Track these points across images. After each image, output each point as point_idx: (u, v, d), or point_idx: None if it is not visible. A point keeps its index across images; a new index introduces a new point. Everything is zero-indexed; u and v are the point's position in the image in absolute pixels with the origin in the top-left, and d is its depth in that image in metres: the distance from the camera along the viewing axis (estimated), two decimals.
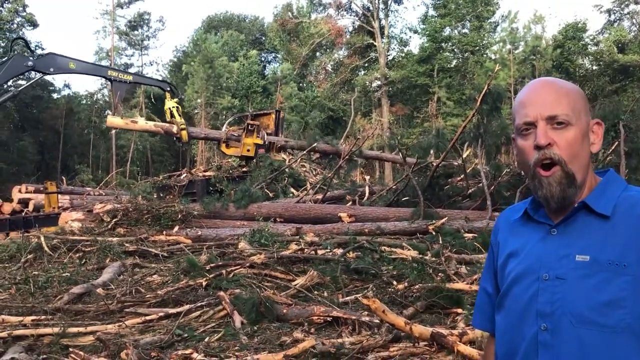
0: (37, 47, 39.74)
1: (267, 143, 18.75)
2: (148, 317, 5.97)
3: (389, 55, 43.00)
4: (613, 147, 10.73)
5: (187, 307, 6.15)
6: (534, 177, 1.28)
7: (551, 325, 1.21)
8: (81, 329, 5.57)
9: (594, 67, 37.60)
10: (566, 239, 1.26)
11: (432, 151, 13.24)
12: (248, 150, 17.93)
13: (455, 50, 40.82)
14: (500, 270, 1.39)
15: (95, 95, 45.75)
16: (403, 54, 43.68)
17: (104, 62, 45.21)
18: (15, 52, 19.71)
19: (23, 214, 15.13)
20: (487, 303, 1.47)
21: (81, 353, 4.51)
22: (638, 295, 1.15)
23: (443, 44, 39.86)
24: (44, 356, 4.71)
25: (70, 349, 4.72)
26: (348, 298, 6.36)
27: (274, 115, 20.13)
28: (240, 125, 19.25)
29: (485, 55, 39.99)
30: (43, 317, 6.08)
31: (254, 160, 17.69)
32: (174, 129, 17.27)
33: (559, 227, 1.28)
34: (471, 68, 38.70)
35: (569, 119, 1.25)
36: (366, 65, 43.50)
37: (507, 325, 1.32)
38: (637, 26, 38.56)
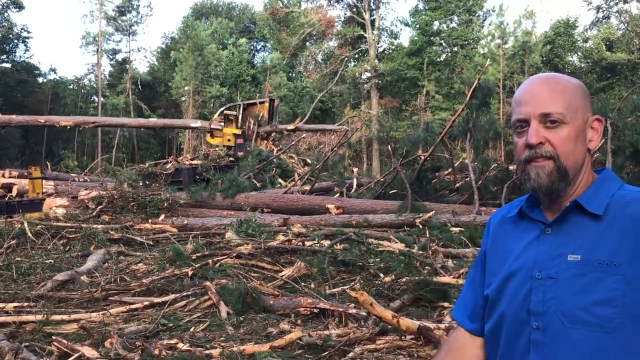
0: (22, 30, 39.13)
1: (251, 133, 18.71)
2: (133, 306, 5.92)
3: (379, 47, 42.94)
4: (600, 145, 10.82)
5: (172, 296, 6.10)
6: (523, 171, 1.28)
7: (543, 324, 1.21)
8: (64, 317, 5.51)
9: (582, 65, 37.87)
10: (560, 238, 1.25)
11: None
12: (229, 140, 17.95)
13: (444, 44, 40.87)
14: (490, 267, 1.39)
15: (82, 80, 45.15)
16: (393, 47, 43.65)
17: (91, 47, 44.66)
18: None
19: (6, 199, 14.91)
20: (469, 301, 1.46)
21: (64, 341, 4.45)
22: (629, 295, 1.15)
23: (433, 38, 39.86)
24: (26, 344, 4.64)
25: (53, 337, 4.66)
26: (335, 290, 6.36)
27: (267, 104, 20.05)
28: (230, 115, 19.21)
29: (474, 50, 40.08)
30: (25, 304, 6.00)
31: (246, 149, 17.61)
32: None
33: (553, 226, 1.27)
34: (460, 62, 38.78)
35: (563, 117, 1.24)
36: (356, 56, 43.40)
37: (502, 324, 1.31)
38: (625, 24, 38.85)
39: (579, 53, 38.92)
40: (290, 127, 20.55)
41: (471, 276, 1.48)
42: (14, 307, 5.87)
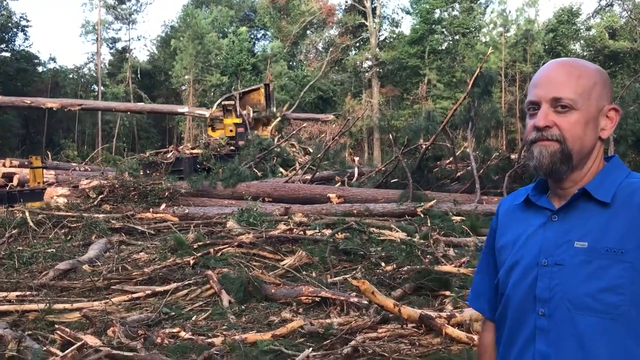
0: (21, 19, 38.92)
1: (251, 121, 18.66)
2: (135, 295, 5.94)
3: (380, 35, 42.72)
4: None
5: (174, 285, 6.11)
6: (528, 150, 1.30)
7: (548, 310, 1.22)
8: (67, 306, 5.53)
9: (585, 53, 37.66)
10: (566, 225, 1.25)
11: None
12: (231, 131, 17.86)
13: (446, 32, 40.64)
14: (499, 254, 1.39)
15: (82, 69, 44.99)
16: (394, 35, 43.43)
17: (90, 36, 44.45)
18: None
19: (7, 188, 14.92)
20: (486, 286, 1.46)
21: (67, 330, 4.46)
22: (635, 282, 1.15)
23: (434, 26, 39.63)
24: (29, 332, 4.65)
25: (56, 326, 4.67)
26: (336, 279, 6.37)
27: (263, 90, 19.97)
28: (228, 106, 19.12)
29: (476, 38, 39.88)
30: (28, 292, 6.02)
31: (247, 138, 17.55)
32: None
33: (560, 214, 1.27)
34: (461, 50, 38.61)
35: (573, 103, 1.24)
36: (357, 45, 43.18)
37: (507, 310, 1.32)
38: (628, 12, 38.61)
39: (582, 41, 38.71)
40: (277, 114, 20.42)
41: (483, 263, 1.48)
42: (17, 296, 5.89)
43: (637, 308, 1.15)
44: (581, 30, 38.85)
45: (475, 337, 4.16)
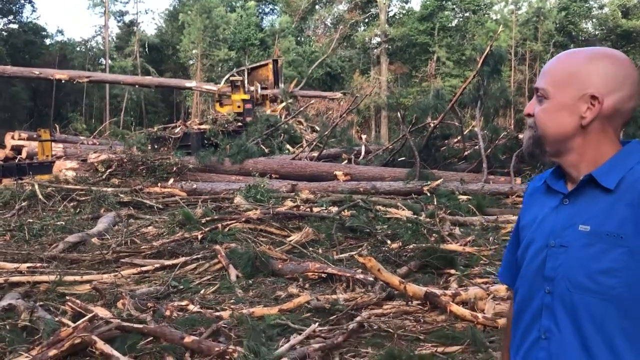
0: None
1: (260, 97, 18.58)
2: (144, 268, 6.02)
3: (389, 11, 42.18)
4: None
5: (182, 259, 6.19)
6: None
7: (552, 289, 1.29)
8: (77, 278, 5.62)
9: (597, 32, 37.10)
10: (574, 209, 1.31)
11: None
12: (238, 107, 17.78)
13: (456, 9, 40.06)
14: (520, 233, 1.47)
15: (90, 42, 44.79)
16: (404, 11, 42.87)
17: (98, 9, 44.13)
18: None
19: (16, 161, 15.02)
20: (511, 261, 1.54)
21: (78, 301, 4.55)
22: (631, 266, 1.20)
23: (444, 2, 39.07)
24: (41, 303, 4.75)
25: (67, 297, 4.76)
26: (342, 255, 6.42)
27: (271, 66, 19.84)
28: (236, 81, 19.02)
29: (486, 15, 39.32)
30: (39, 264, 6.12)
31: (255, 114, 17.51)
32: None
33: (570, 197, 1.33)
34: (471, 28, 38.10)
35: (545, 93, 1.32)
36: (366, 21, 42.68)
37: (520, 287, 1.40)
38: None
39: (594, 20, 38.10)
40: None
41: (512, 240, 1.57)
42: (28, 267, 5.99)
43: (631, 290, 1.21)
44: (593, 9, 38.22)
45: (480, 314, 4.22)
